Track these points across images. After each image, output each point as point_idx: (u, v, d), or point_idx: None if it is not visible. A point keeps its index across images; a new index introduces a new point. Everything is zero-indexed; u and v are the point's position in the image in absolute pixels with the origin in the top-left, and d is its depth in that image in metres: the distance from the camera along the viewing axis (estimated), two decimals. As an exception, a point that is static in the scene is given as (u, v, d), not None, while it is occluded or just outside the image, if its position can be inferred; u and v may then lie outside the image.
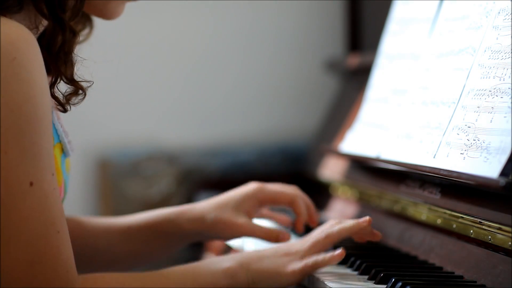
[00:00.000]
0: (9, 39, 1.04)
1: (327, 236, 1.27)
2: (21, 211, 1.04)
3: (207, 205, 1.44)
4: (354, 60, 2.12)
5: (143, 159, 2.46)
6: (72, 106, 1.19)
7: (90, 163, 2.49)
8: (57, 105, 1.18)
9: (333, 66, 2.32)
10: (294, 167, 2.37)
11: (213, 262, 1.23)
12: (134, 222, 1.46)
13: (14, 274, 1.04)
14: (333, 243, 1.28)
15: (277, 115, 2.57)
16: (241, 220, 1.42)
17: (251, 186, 1.46)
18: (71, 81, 1.18)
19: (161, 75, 2.54)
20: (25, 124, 1.04)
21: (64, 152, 1.26)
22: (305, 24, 2.56)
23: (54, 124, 1.22)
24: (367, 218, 1.30)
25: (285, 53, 2.57)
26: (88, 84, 1.18)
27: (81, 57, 1.19)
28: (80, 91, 1.18)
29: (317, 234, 1.29)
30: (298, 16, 2.56)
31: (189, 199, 2.35)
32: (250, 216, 1.44)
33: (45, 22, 1.17)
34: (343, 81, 2.24)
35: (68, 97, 1.19)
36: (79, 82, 1.19)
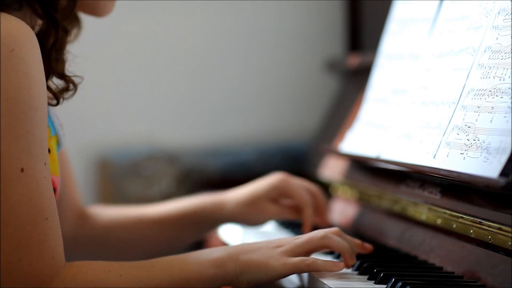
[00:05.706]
0: (9, 32, 1.08)
1: (324, 237, 1.26)
2: (12, 196, 1.07)
3: (238, 196, 1.58)
4: (354, 60, 2.12)
5: (143, 159, 2.46)
6: (64, 100, 1.25)
7: (90, 163, 2.49)
8: (51, 98, 1.23)
9: (333, 66, 2.32)
10: (294, 167, 2.36)
11: (203, 253, 1.23)
12: (166, 213, 1.58)
13: (0, 255, 1.07)
14: (327, 247, 1.27)
15: (277, 115, 2.57)
16: (267, 207, 1.58)
17: (277, 177, 1.61)
18: (62, 76, 1.24)
19: (161, 75, 2.54)
20: (20, 113, 1.08)
21: (59, 144, 1.32)
22: (305, 24, 2.56)
23: (50, 117, 1.27)
24: (370, 247, 1.35)
25: (285, 53, 2.57)
26: (79, 80, 1.25)
27: (73, 54, 1.25)
28: (71, 86, 1.25)
29: (314, 232, 1.28)
30: (298, 16, 2.56)
31: (189, 199, 2.35)
32: (275, 201, 1.59)
33: (39, 22, 1.22)
34: (343, 81, 2.24)
35: (60, 92, 1.24)
36: (70, 77, 1.25)
